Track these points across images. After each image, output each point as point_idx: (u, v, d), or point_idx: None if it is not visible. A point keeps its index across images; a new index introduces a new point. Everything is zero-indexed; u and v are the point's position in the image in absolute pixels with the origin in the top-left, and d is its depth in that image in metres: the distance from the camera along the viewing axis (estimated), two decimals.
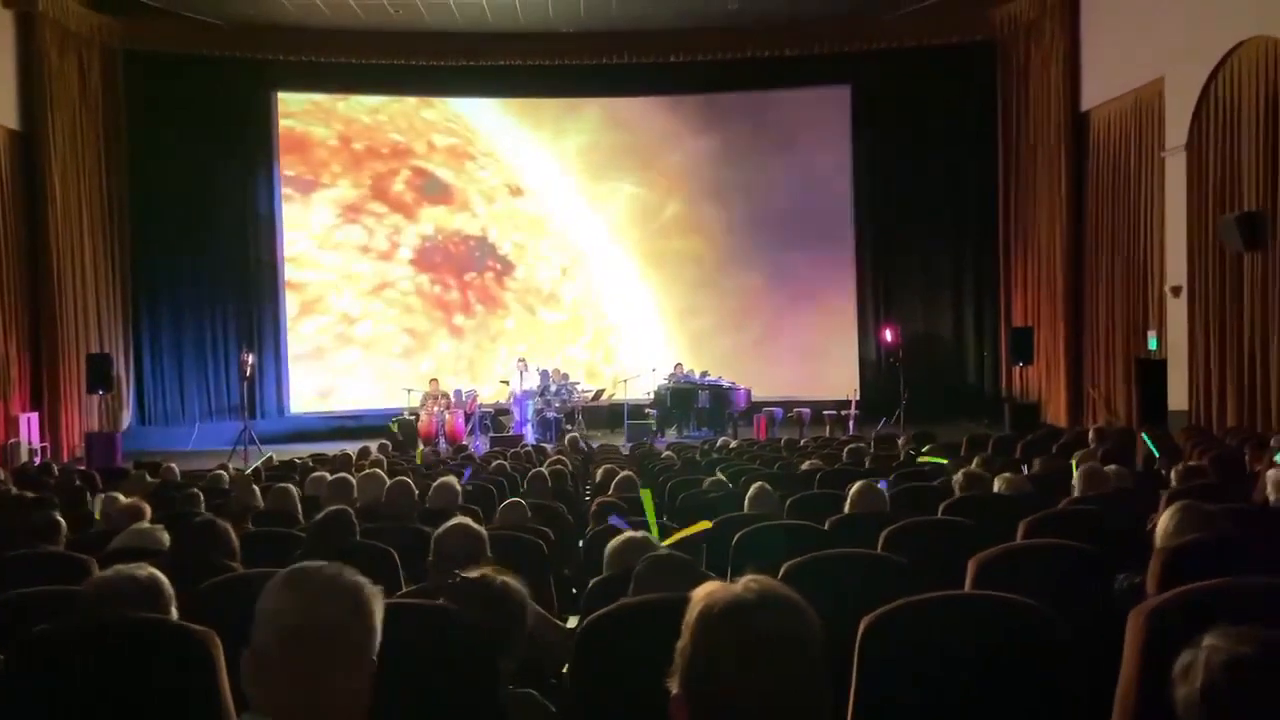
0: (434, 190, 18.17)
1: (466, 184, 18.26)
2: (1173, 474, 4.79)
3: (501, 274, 18.47)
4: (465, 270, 18.33)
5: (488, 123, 18.40)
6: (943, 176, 16.75)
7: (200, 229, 16.19)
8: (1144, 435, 8.08)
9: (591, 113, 18.11)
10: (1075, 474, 5.03)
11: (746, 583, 1.31)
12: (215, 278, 16.46)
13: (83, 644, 2.03)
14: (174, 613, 2.30)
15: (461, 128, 18.33)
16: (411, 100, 17.90)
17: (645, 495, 3.97)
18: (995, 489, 5.60)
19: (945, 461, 7.37)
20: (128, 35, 15.41)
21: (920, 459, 8.35)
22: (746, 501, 5.37)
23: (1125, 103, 13.28)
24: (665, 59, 16.76)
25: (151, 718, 1.82)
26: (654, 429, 15.47)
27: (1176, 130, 11.94)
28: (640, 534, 3.21)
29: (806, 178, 17.43)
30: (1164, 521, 3.12)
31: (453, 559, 3.00)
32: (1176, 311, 12.11)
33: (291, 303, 17.28)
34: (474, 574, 2.46)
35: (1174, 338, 12.22)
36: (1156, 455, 6.72)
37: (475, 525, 3.21)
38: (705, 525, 3.82)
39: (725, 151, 17.63)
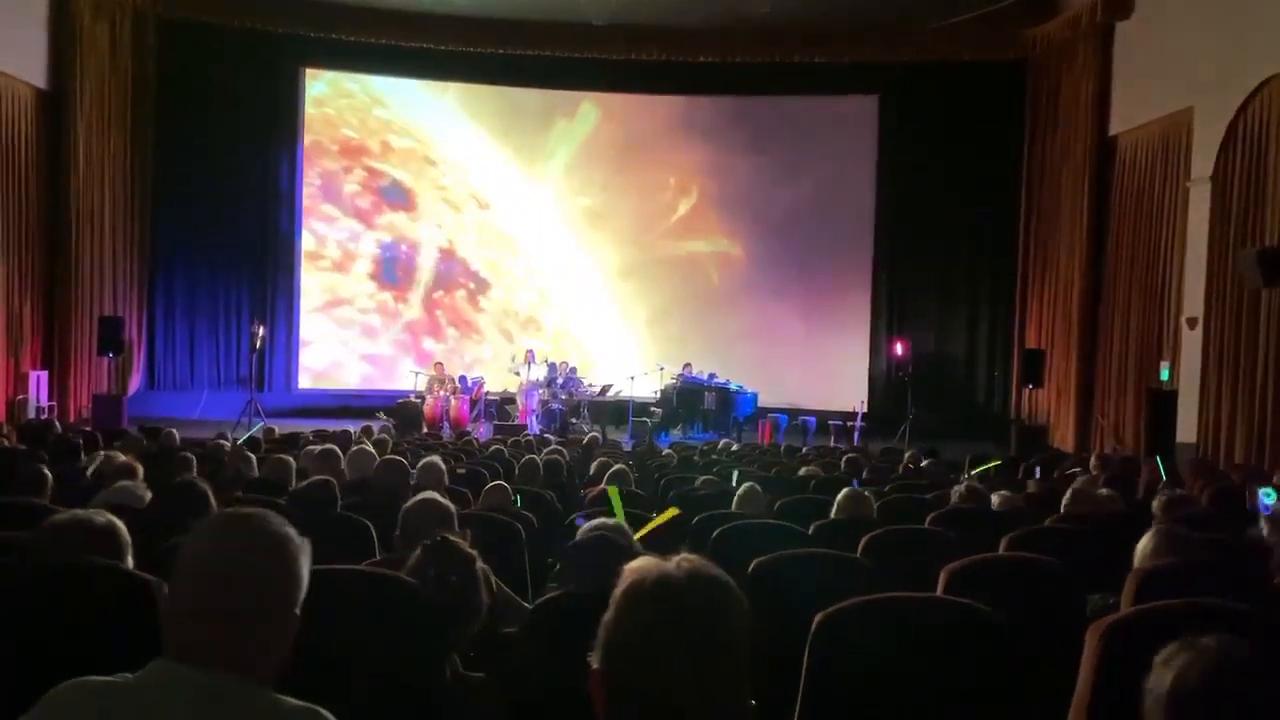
0: (394, 195, 17.19)
1: (428, 189, 17.35)
2: (1155, 502, 4.74)
3: (475, 293, 17.45)
4: (434, 288, 17.33)
5: (452, 130, 17.38)
6: (966, 193, 16.66)
7: (221, 199, 16.26)
8: (1158, 458, 8.01)
9: (596, 110, 17.65)
10: (1067, 494, 5.00)
11: (679, 561, 1.29)
12: (232, 248, 16.54)
13: (26, 584, 2.02)
14: (129, 561, 2.30)
15: (416, 129, 17.32)
16: (362, 96, 17.33)
17: (612, 491, 3.96)
18: (992, 505, 5.57)
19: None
20: (160, 2, 15.46)
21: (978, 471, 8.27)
22: (735, 501, 5.35)
23: (1153, 130, 13.18)
24: (695, 58, 16.70)
25: (91, 662, 1.81)
26: (657, 427, 15.44)
27: (1203, 161, 11.83)
28: (612, 521, 3.19)
29: (828, 186, 17.35)
30: (1142, 545, 3.09)
31: (419, 532, 2.98)
32: (1191, 343, 12.00)
33: None
34: (439, 538, 2.44)
35: (1187, 370, 12.11)
36: (1164, 478, 6.63)
37: (443, 500, 3.20)
38: (673, 512, 3.81)
39: (745, 155, 17.53)
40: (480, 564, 2.27)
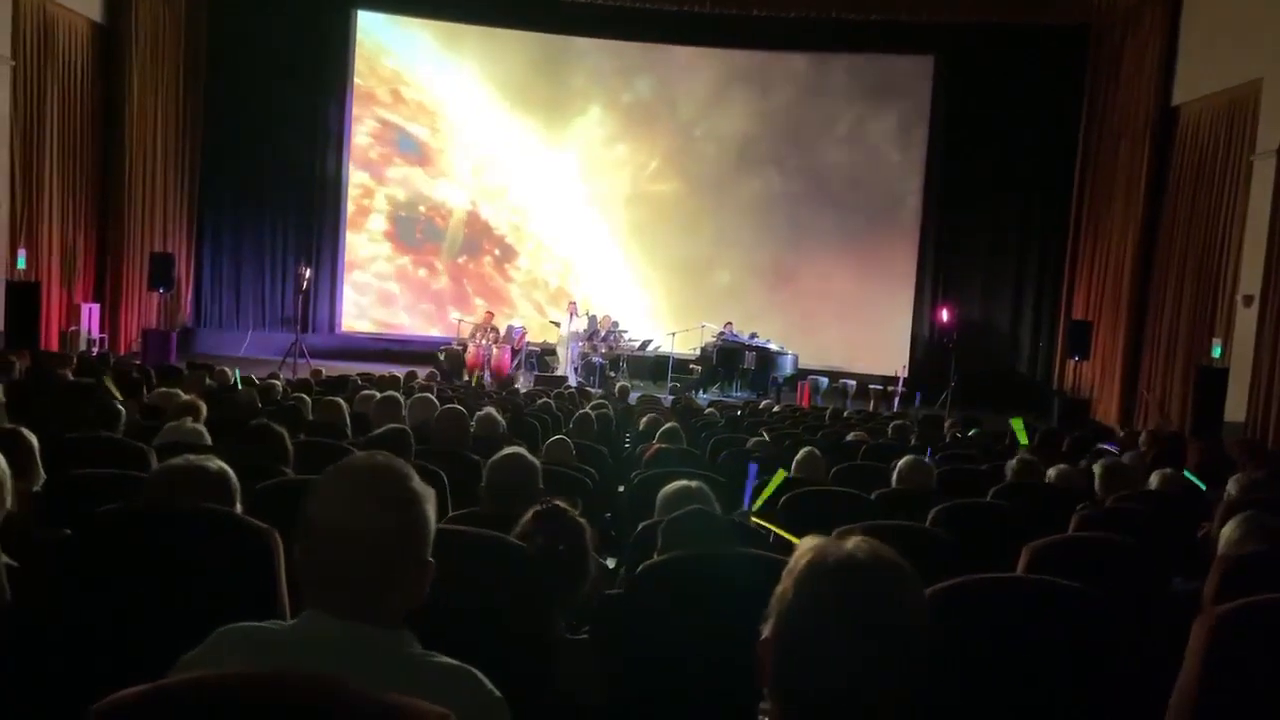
0: (409, 149, 16.73)
1: (445, 145, 16.91)
2: (1231, 484, 4.68)
3: (501, 260, 16.95)
4: (458, 252, 16.85)
5: (474, 88, 16.80)
6: (1019, 159, 16.38)
7: (271, 139, 16.31)
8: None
9: (638, 65, 17.22)
10: (1096, 471, 4.97)
11: (858, 542, 1.30)
12: (280, 189, 16.61)
13: (151, 527, 2.07)
14: (239, 507, 2.34)
15: (434, 85, 16.72)
16: (369, 43, 17.01)
17: (779, 476, 3.92)
18: (1048, 479, 5.53)
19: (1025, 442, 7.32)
20: None
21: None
22: (794, 465, 5.36)
23: (1218, 101, 12.84)
24: (748, 11, 16.39)
25: (209, 606, 1.85)
26: (695, 385, 15.45)
27: (1270, 134, 11.53)
28: (695, 484, 3.20)
29: (879, 146, 17.12)
30: (1228, 531, 3.06)
31: (506, 487, 3.02)
32: (1245, 321, 11.79)
33: None
34: (559, 503, 2.43)
35: (1239, 348, 11.91)
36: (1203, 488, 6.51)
37: (529, 456, 3.23)
38: (782, 475, 3.83)
39: (794, 114, 17.27)
40: (589, 532, 2.29)
